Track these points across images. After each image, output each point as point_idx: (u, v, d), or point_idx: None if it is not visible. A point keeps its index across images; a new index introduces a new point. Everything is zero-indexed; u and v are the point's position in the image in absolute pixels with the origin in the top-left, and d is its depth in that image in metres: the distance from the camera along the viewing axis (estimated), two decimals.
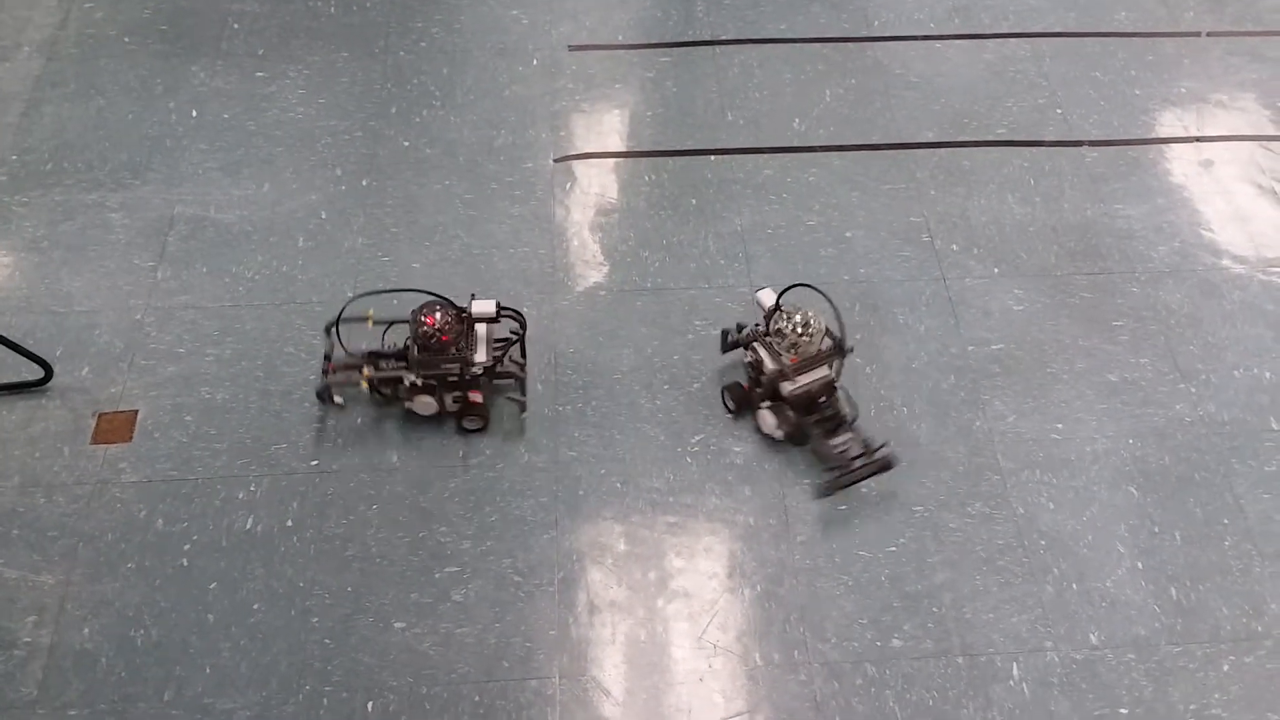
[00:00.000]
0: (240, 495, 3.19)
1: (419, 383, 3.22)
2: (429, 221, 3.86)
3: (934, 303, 3.67)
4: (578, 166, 4.06)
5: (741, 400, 3.34)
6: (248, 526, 3.13)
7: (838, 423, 3.22)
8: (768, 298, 3.31)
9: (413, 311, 3.21)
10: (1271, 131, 4.24)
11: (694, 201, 3.97)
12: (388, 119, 4.17)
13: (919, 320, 3.64)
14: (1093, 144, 4.18)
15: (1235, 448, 3.37)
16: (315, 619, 2.97)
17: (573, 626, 2.98)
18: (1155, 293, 3.73)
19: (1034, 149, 4.16)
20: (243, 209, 3.86)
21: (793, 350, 3.19)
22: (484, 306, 3.23)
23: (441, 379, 3.22)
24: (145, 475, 3.21)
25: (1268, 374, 3.53)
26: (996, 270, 3.78)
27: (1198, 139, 4.21)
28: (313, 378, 3.42)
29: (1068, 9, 4.69)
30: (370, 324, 3.31)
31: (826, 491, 3.16)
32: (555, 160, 4.07)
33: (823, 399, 3.22)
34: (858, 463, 3.15)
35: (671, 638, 2.97)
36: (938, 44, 4.54)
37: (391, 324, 3.36)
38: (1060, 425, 3.40)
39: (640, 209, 3.94)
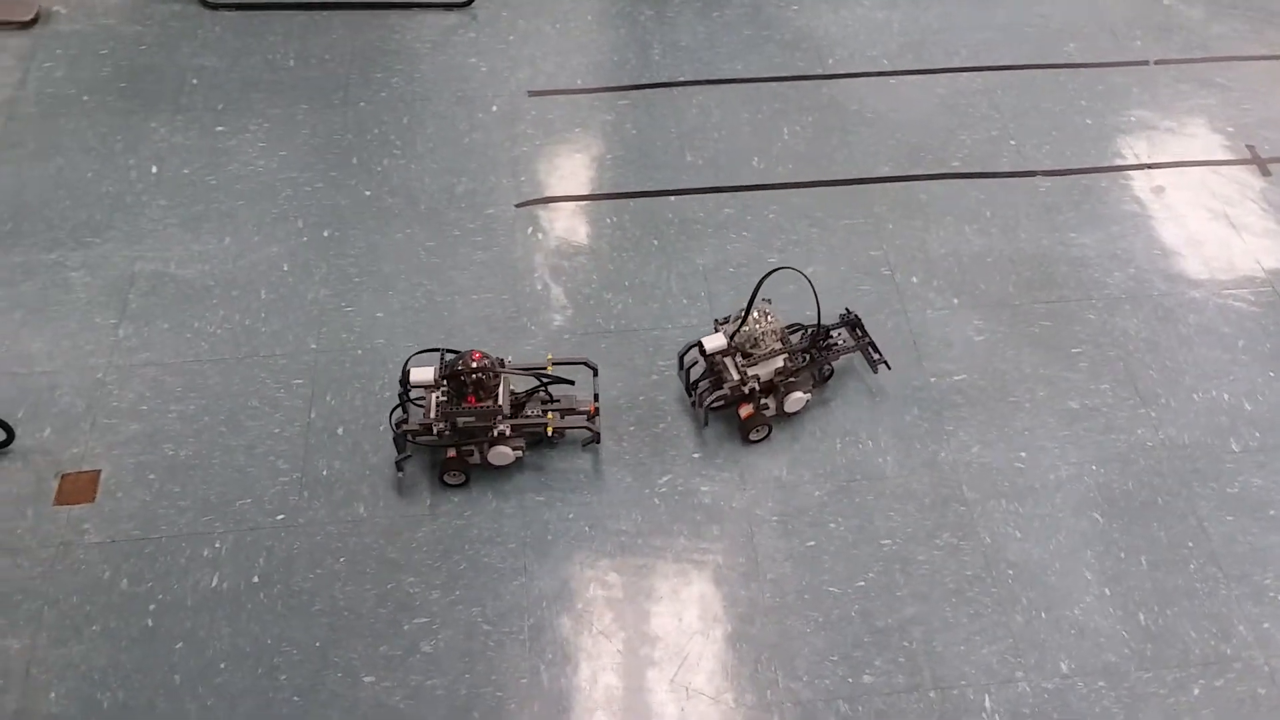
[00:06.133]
0: (205, 553, 3.16)
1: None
2: (392, 270, 3.86)
3: (896, 335, 3.70)
4: (539, 211, 4.09)
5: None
6: (213, 584, 3.10)
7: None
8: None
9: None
10: (1221, 156, 4.33)
11: (656, 242, 4.00)
12: (349, 169, 4.19)
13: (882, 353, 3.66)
14: (1046, 174, 4.25)
15: (1197, 470, 3.40)
16: (283, 676, 2.93)
17: (544, 674, 2.96)
18: (1112, 319, 3.78)
19: (989, 180, 4.22)
20: (204, 264, 3.86)
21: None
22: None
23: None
24: (109, 535, 3.18)
25: (1226, 396, 3.58)
26: (956, 301, 3.82)
27: (1149, 166, 4.29)
28: (277, 430, 3.41)
29: (1018, 43, 4.79)
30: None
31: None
32: (517, 205, 4.10)
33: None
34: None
35: (643, 682, 2.95)
36: (892, 80, 4.61)
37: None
38: (1024, 454, 3.43)
39: (603, 251, 3.97)
